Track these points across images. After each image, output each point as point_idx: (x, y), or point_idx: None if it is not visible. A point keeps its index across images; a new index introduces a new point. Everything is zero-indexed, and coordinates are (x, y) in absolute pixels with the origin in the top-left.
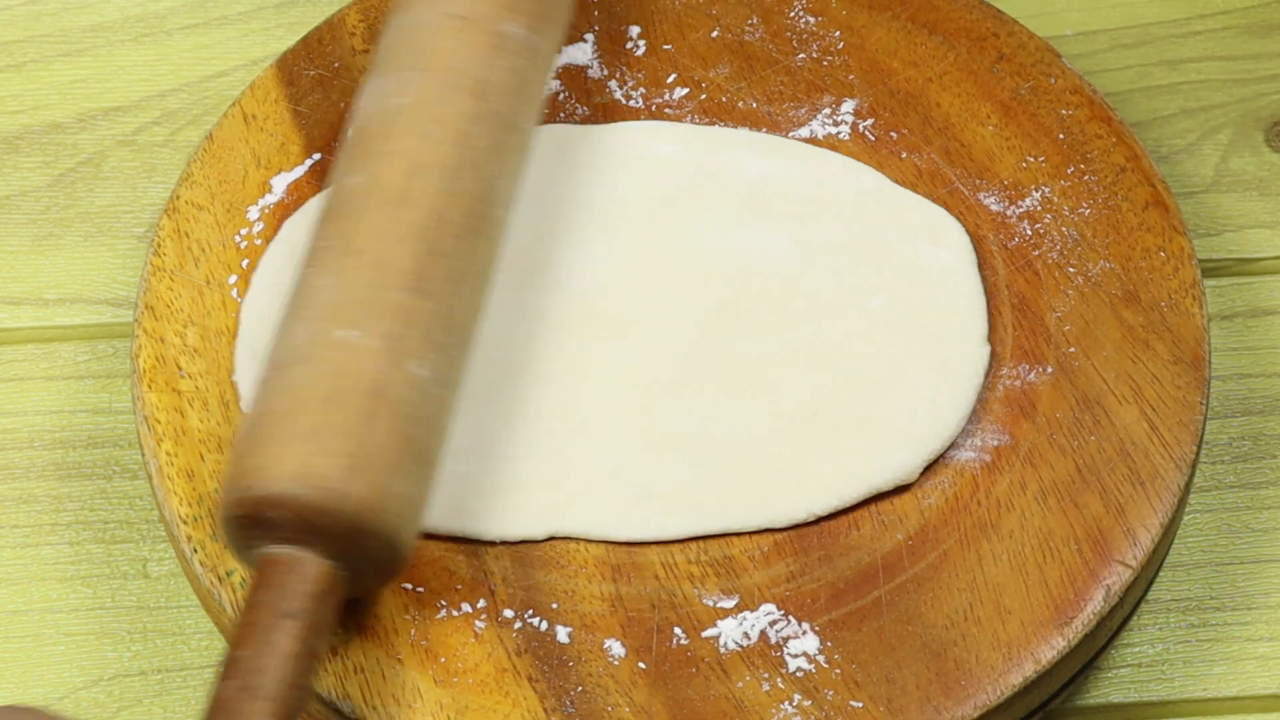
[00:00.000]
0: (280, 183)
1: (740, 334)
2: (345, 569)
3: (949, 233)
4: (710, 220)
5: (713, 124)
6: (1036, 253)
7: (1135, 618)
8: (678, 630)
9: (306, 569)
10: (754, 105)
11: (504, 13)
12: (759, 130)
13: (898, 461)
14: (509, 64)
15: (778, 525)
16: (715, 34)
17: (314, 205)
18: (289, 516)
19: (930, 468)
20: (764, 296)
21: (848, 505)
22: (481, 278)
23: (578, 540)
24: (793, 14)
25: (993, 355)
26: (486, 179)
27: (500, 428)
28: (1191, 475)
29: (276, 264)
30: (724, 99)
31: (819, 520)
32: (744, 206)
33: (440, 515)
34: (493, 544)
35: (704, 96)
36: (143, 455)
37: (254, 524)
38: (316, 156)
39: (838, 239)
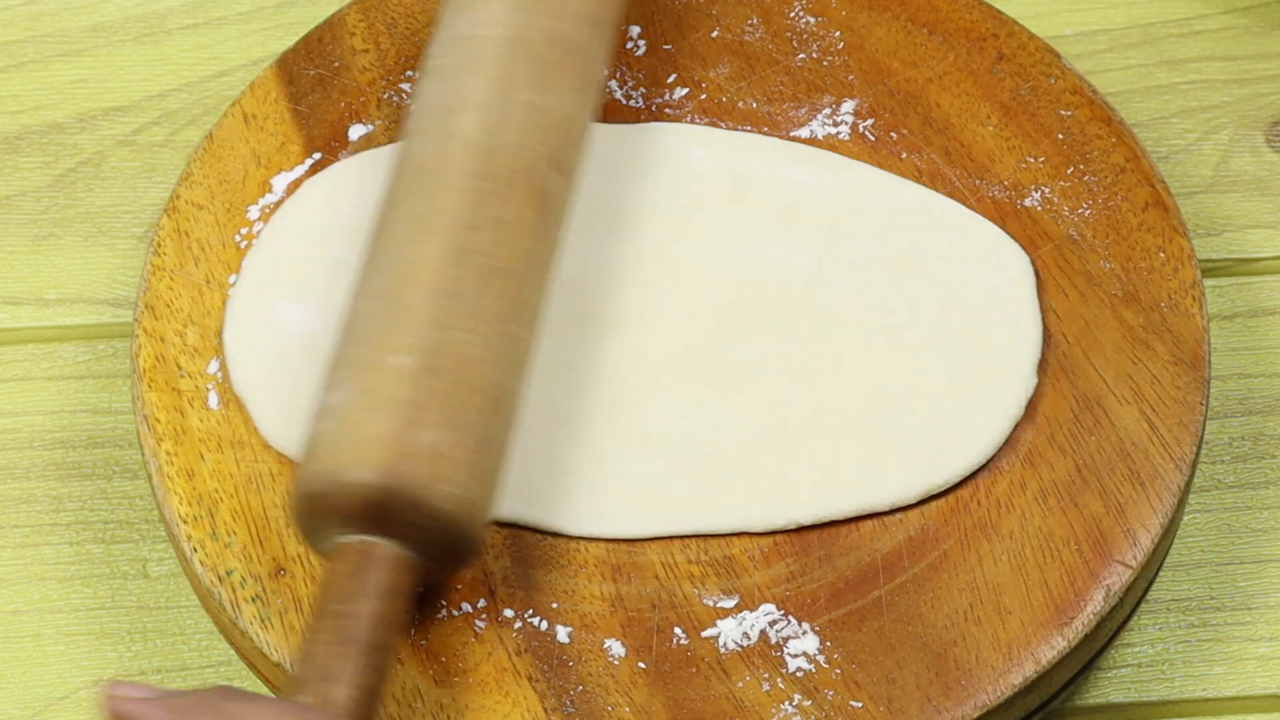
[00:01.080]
0: (280, 182)
1: (742, 340)
2: (415, 553)
3: (1004, 255)
4: (736, 228)
5: (719, 125)
6: (1036, 253)
7: (1135, 618)
8: (678, 630)
9: (379, 553)
10: (754, 105)
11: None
12: (762, 131)
13: (896, 482)
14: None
15: (753, 530)
16: (715, 34)
17: (343, 169)
18: (348, 507)
19: None
20: (777, 305)
21: (835, 519)
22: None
23: (572, 538)
24: (793, 14)
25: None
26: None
27: None
28: (1191, 475)
29: (287, 223)
30: (724, 99)
31: (808, 527)
32: (774, 216)
33: None
34: (585, 541)
35: (704, 96)
36: (143, 455)
37: (321, 514)
38: (316, 156)
39: (866, 254)
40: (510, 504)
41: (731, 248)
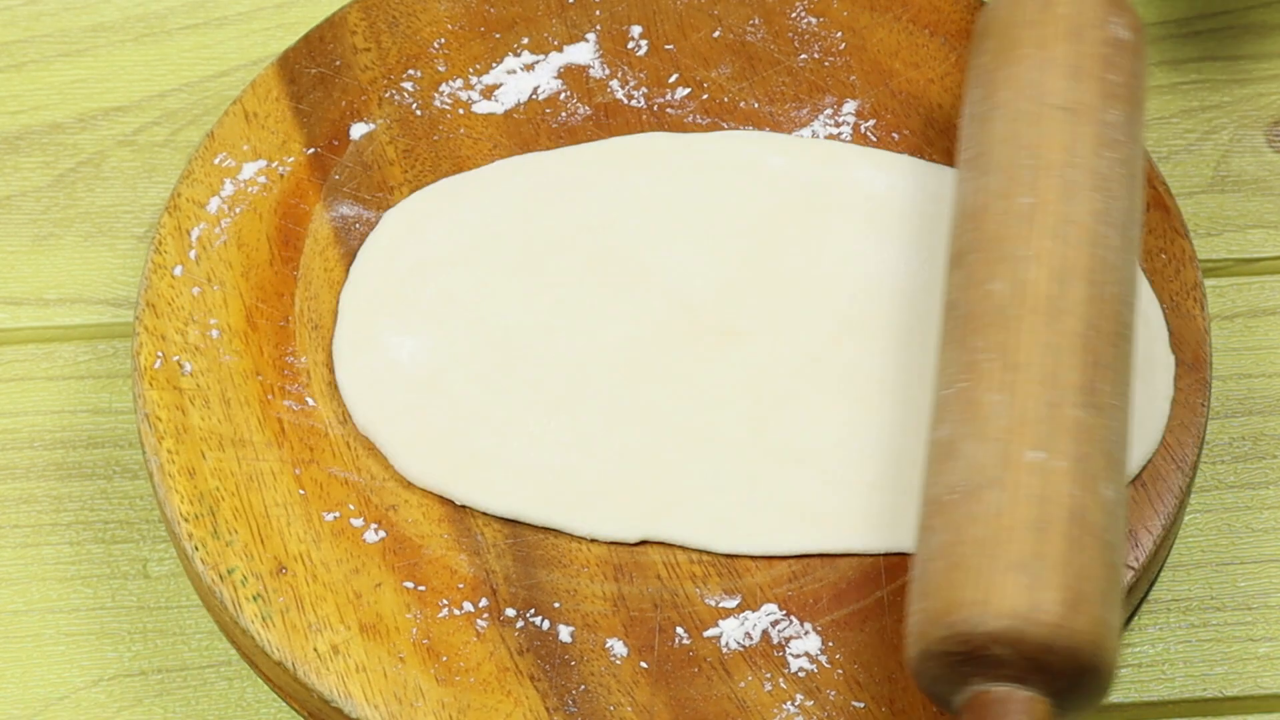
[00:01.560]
0: None
1: (864, 348)
2: (1058, 706)
3: None
4: (828, 233)
5: (721, 125)
6: None
7: (1136, 618)
8: (680, 630)
9: (1027, 707)
10: (755, 106)
11: (1107, 102)
12: (763, 131)
13: None
14: (1119, 155)
15: (903, 550)
16: (717, 34)
17: (421, 198)
18: (1012, 654)
19: None
20: (892, 312)
21: None
22: (1131, 386)
23: (579, 541)
24: (794, 15)
25: None
26: (1124, 281)
27: (603, 427)
28: (1193, 477)
29: (376, 256)
30: (725, 99)
31: None
32: (863, 220)
33: (533, 506)
34: (587, 541)
35: (705, 97)
36: (144, 453)
37: (969, 660)
38: (312, 151)
39: None
40: (636, 520)
41: (829, 255)
